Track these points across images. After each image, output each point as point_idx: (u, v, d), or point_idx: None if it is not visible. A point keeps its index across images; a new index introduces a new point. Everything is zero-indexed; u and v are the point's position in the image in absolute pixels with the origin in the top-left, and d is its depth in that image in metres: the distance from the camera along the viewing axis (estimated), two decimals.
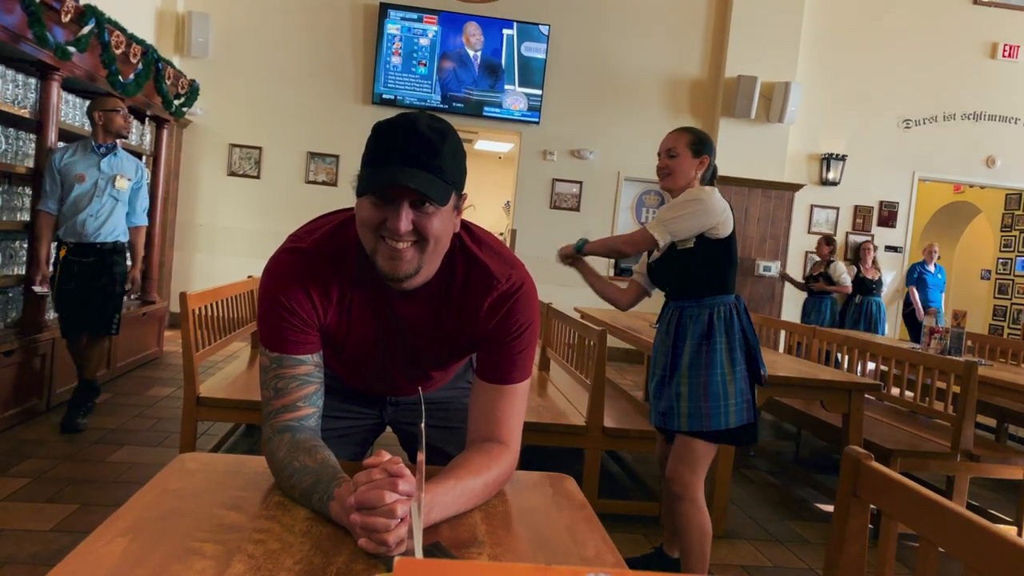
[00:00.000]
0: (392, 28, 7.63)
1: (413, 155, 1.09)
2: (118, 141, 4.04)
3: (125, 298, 4.04)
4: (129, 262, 4.22)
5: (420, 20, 7.66)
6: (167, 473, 1.16)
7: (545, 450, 3.79)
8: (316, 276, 1.22)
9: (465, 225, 1.29)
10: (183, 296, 2.96)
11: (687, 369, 2.34)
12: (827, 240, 7.32)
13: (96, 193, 3.90)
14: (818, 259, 7.44)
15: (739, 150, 7.81)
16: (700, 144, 2.41)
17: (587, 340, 3.37)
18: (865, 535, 1.20)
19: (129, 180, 4.05)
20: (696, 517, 2.35)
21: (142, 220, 4.23)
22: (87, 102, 4.74)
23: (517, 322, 1.25)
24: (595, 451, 3.15)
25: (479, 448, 1.21)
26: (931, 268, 8.21)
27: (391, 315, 1.27)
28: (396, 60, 7.65)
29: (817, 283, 7.22)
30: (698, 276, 2.37)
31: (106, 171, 3.95)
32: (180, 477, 1.15)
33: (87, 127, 4.74)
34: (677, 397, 2.34)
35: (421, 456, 0.82)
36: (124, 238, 4.08)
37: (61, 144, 4.12)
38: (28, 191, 4.09)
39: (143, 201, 4.21)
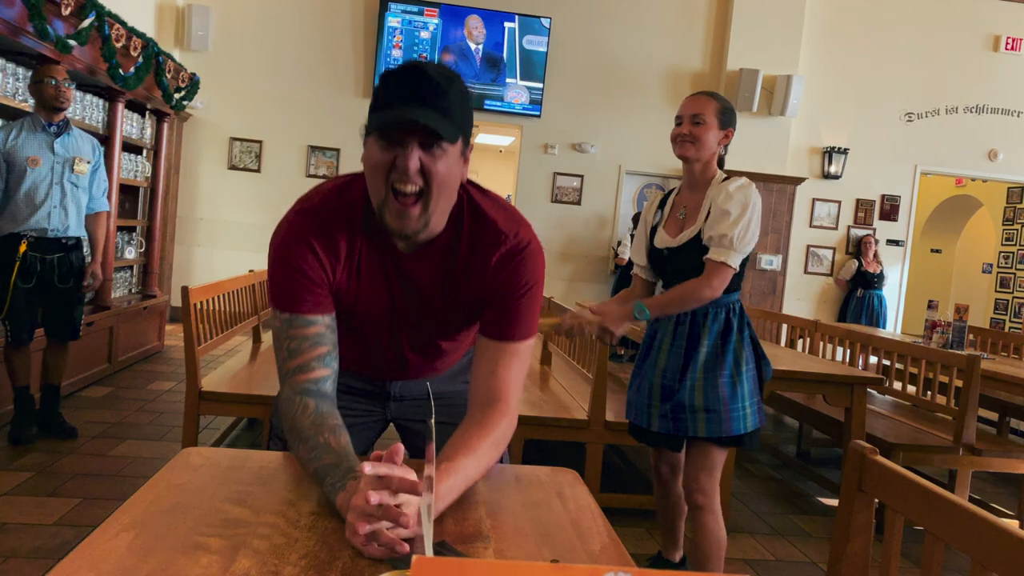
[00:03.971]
0: (393, 21, 7.61)
1: (421, 96, 1.10)
2: (69, 118, 3.57)
3: (84, 290, 3.59)
4: (88, 256, 3.73)
5: (421, 13, 7.63)
6: (171, 468, 1.16)
7: (547, 444, 3.80)
8: (323, 233, 1.22)
9: (472, 183, 1.29)
10: (185, 290, 2.95)
11: (703, 371, 2.15)
12: (635, 219, 7.44)
13: (55, 180, 3.43)
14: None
15: (741, 143, 7.75)
16: (729, 114, 2.20)
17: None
18: (870, 530, 1.20)
19: (88, 163, 3.57)
20: (716, 529, 2.22)
21: (102, 205, 3.72)
22: (87, 95, 4.74)
23: (524, 279, 1.26)
24: (597, 445, 3.15)
25: (478, 421, 1.21)
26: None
27: (400, 273, 1.27)
28: (397, 53, 7.63)
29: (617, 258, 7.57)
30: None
31: (61, 153, 3.47)
32: (184, 472, 1.15)
33: (88, 120, 4.74)
34: (691, 401, 2.15)
35: (431, 451, 0.82)
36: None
37: (0, 122, 3.67)
38: None
39: (102, 183, 3.71)
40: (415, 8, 7.62)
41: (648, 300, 2.19)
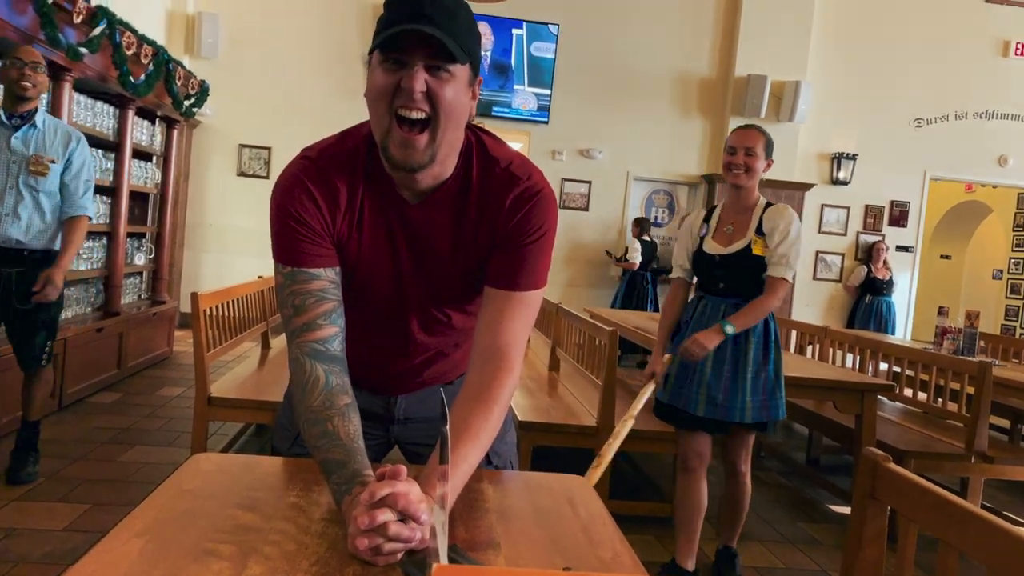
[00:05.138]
0: None
1: (429, 15, 1.05)
2: (40, 108, 3.09)
3: (33, 299, 2.95)
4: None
5: None
6: (182, 473, 1.16)
7: (555, 450, 3.78)
8: (322, 180, 1.18)
9: (480, 127, 1.25)
10: (195, 296, 2.96)
11: (752, 365, 2.52)
12: (637, 222, 7.57)
13: (9, 183, 2.95)
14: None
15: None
16: (772, 147, 2.56)
17: (598, 340, 3.36)
18: (883, 538, 1.19)
19: (52, 162, 3.02)
20: (748, 487, 2.74)
21: (80, 208, 3.13)
22: (98, 103, 4.77)
23: (536, 223, 1.20)
24: None
25: (478, 389, 1.16)
26: None
27: (406, 225, 1.21)
28: None
29: (624, 263, 7.53)
30: (763, 274, 2.53)
31: (19, 151, 2.96)
32: (195, 477, 1.15)
33: (98, 127, 4.77)
34: (743, 391, 2.50)
35: (445, 469, 0.81)
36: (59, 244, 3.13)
37: None
38: None
39: (81, 184, 3.13)
40: None
41: (731, 318, 2.51)
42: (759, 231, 2.53)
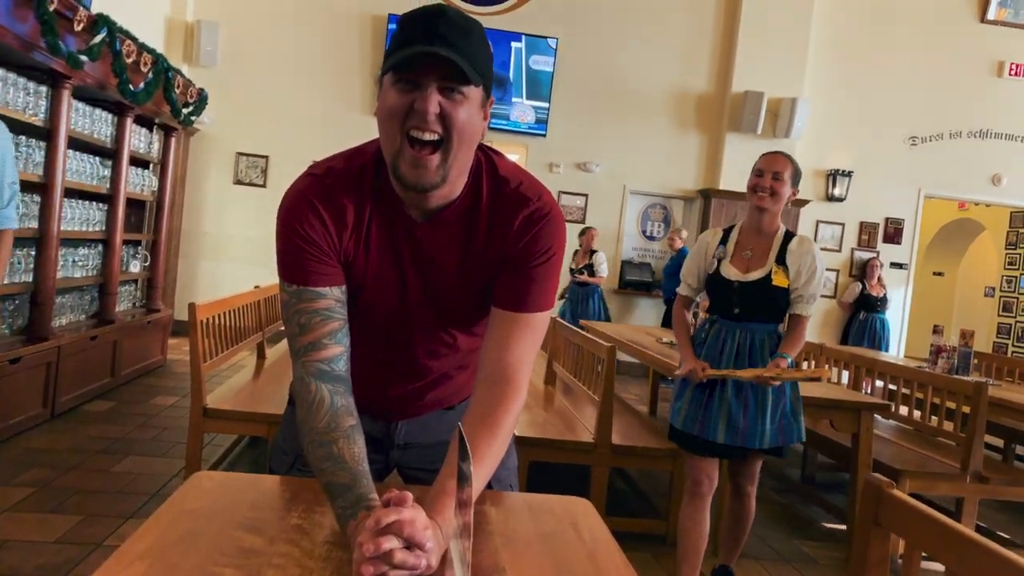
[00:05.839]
0: None
1: (443, 36, 1.05)
2: None
3: None
4: None
5: None
6: (183, 493, 1.15)
7: (551, 465, 3.77)
8: (330, 199, 1.16)
9: (488, 146, 1.24)
10: (192, 307, 2.95)
11: (773, 391, 2.49)
12: (584, 231, 7.28)
13: None
14: (579, 250, 7.31)
15: (746, 165, 7.72)
16: (799, 176, 2.55)
17: (595, 355, 3.36)
18: (886, 564, 1.19)
19: None
20: (753, 508, 2.71)
21: (3, 221, 2.50)
22: (96, 110, 4.77)
23: (545, 244, 1.19)
24: (603, 468, 3.14)
25: (483, 412, 1.15)
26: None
27: (414, 246, 1.20)
28: None
29: (581, 275, 7.15)
30: (781, 304, 2.52)
31: None
32: (197, 497, 1.14)
33: (96, 135, 4.76)
34: (763, 417, 2.49)
35: (467, 493, 0.81)
36: None
37: None
38: (37, 199, 4.09)
39: (6, 189, 2.49)
40: None
41: (786, 350, 2.49)
42: (780, 261, 2.50)
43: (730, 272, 2.54)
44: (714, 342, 2.58)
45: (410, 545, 0.90)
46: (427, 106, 1.06)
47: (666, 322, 7.18)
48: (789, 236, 2.55)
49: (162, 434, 4.10)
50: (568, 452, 3.14)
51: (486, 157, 1.23)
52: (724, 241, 2.62)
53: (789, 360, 2.45)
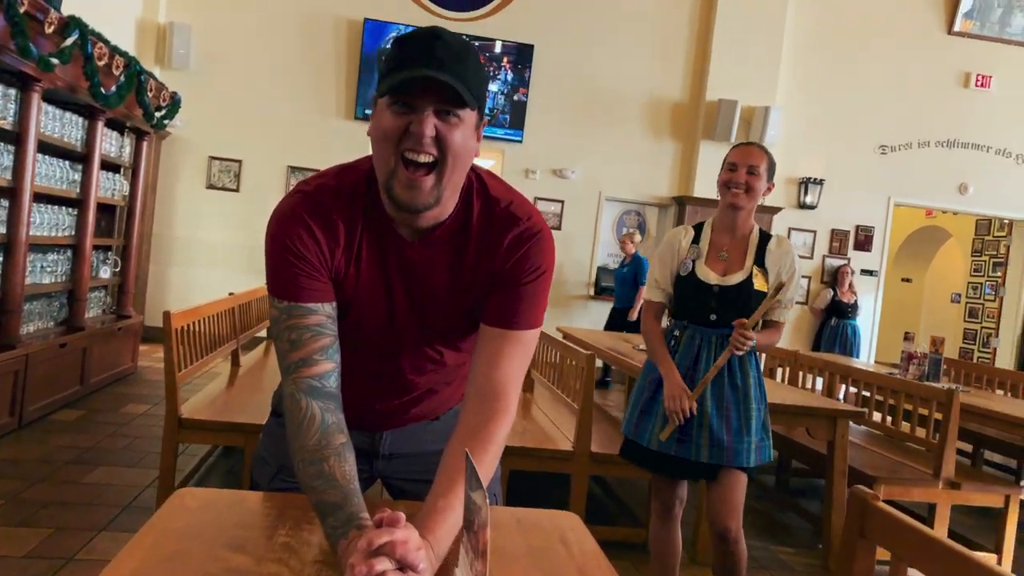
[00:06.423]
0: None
1: (439, 59, 1.06)
2: None
3: None
4: None
5: None
6: (167, 511, 1.13)
7: (530, 474, 3.77)
8: (321, 215, 1.16)
9: (478, 166, 1.25)
10: (167, 315, 2.90)
11: (755, 402, 2.29)
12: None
13: None
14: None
15: (718, 172, 7.89)
16: (774, 169, 2.36)
17: (573, 363, 3.36)
18: None
19: None
20: (745, 552, 2.32)
21: None
22: (67, 113, 4.68)
23: (534, 264, 1.21)
24: (582, 477, 3.14)
25: (473, 430, 1.15)
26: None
27: (404, 263, 1.21)
28: None
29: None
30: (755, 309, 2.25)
31: None
32: (181, 515, 1.12)
33: (67, 138, 4.67)
34: (747, 431, 2.27)
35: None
36: None
37: None
38: (5, 204, 4.00)
39: None
40: (399, 30, 7.65)
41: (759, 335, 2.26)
42: (759, 263, 2.30)
43: (708, 275, 2.30)
44: (687, 351, 2.32)
45: (403, 567, 0.89)
46: (423, 129, 1.07)
47: (610, 326, 7.16)
48: (765, 236, 2.35)
49: (134, 443, 4.02)
50: (547, 460, 3.14)
51: (477, 177, 1.23)
52: (696, 240, 2.38)
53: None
